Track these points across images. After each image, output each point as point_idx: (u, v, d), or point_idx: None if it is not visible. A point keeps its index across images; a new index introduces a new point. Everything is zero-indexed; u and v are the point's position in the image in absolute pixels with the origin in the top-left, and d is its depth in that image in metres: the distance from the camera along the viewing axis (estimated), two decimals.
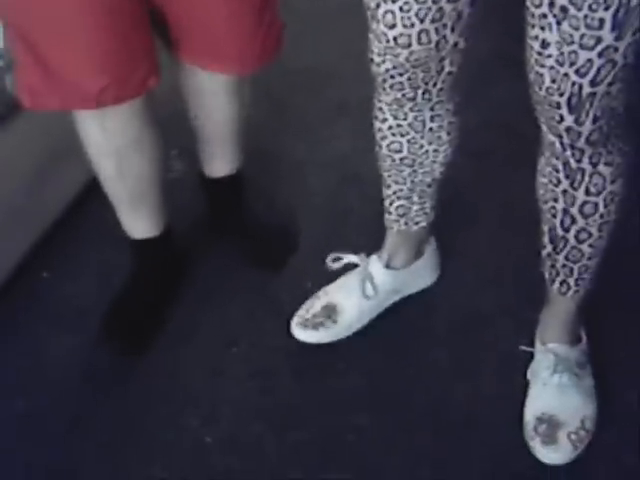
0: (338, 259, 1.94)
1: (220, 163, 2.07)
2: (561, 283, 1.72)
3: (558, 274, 1.71)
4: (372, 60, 1.62)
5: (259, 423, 1.81)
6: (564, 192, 1.59)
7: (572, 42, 1.37)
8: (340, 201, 2.23)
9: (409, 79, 1.62)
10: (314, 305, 1.93)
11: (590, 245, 1.65)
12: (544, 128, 1.52)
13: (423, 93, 1.66)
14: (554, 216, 1.63)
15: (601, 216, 1.61)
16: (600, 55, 1.38)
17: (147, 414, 1.84)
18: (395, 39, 1.54)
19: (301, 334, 1.91)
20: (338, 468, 1.74)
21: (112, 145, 1.82)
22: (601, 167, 1.55)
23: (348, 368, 1.89)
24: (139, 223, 1.97)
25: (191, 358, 1.92)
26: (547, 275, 1.74)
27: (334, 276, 1.97)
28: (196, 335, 1.96)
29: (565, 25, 1.37)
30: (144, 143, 1.85)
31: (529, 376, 1.78)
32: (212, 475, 1.74)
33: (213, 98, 1.93)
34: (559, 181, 1.58)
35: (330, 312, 1.92)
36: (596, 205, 1.59)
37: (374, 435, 1.78)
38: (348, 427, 1.79)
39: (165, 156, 1.98)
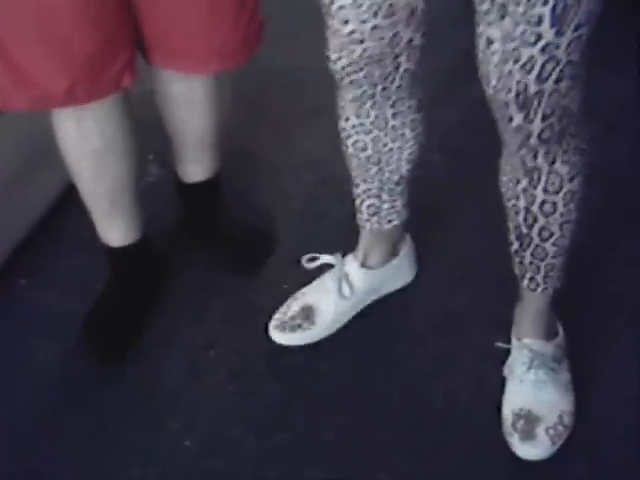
0: (313, 259, 1.94)
1: (197, 168, 2.07)
2: (530, 280, 1.73)
3: (526, 271, 1.72)
4: (329, 57, 1.63)
5: (238, 426, 1.81)
6: (524, 190, 1.60)
7: (514, 38, 1.38)
8: (317, 203, 2.24)
9: (366, 76, 1.63)
10: (291, 307, 1.94)
11: (553, 244, 1.66)
12: (499, 127, 1.53)
13: (382, 90, 1.67)
14: (517, 214, 1.64)
15: (561, 215, 1.62)
16: (542, 51, 1.38)
17: (126, 419, 1.84)
18: (349, 35, 1.55)
19: (279, 337, 1.91)
20: (319, 468, 1.74)
21: (89, 146, 1.82)
22: (557, 165, 1.56)
23: (327, 368, 1.90)
24: (115, 229, 1.96)
25: (169, 362, 1.92)
26: (517, 271, 1.75)
27: (311, 278, 1.97)
28: (174, 339, 1.96)
29: (507, 21, 1.37)
30: (121, 144, 1.85)
31: (506, 372, 1.79)
32: (191, 478, 1.74)
33: (191, 107, 1.93)
34: (518, 179, 1.59)
35: (308, 313, 1.92)
36: (555, 204, 1.60)
37: (354, 434, 1.79)
38: (328, 427, 1.80)
39: (141, 161, 1.98)
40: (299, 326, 1.91)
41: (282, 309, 1.94)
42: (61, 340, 1.95)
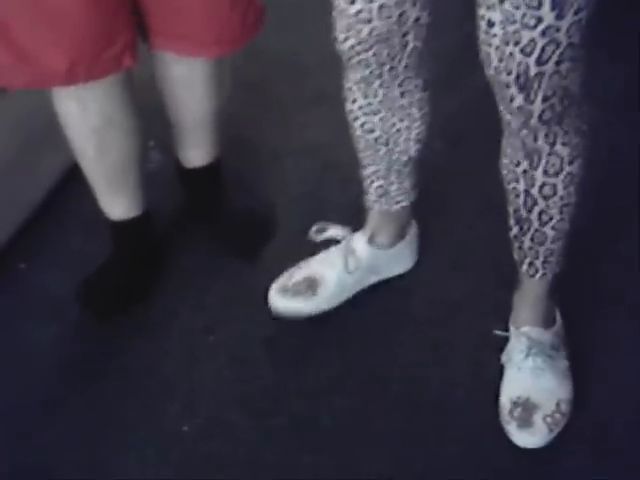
0: (322, 230, 1.94)
1: (198, 153, 2.07)
2: (529, 265, 1.73)
3: (526, 256, 1.72)
4: (336, 38, 1.63)
5: (236, 410, 1.82)
6: (524, 172, 1.60)
7: (514, 21, 1.38)
8: (319, 189, 2.23)
9: (374, 55, 1.63)
10: (295, 275, 1.94)
11: (552, 228, 1.66)
12: (500, 107, 1.53)
13: (389, 70, 1.67)
14: (517, 197, 1.64)
15: (561, 198, 1.62)
16: (543, 34, 1.38)
17: (124, 403, 1.84)
18: (356, 14, 1.56)
19: (279, 301, 1.92)
20: (314, 452, 1.75)
21: (91, 124, 1.82)
22: (558, 147, 1.56)
23: (325, 354, 1.90)
24: (118, 204, 1.97)
25: (168, 346, 1.93)
26: (516, 257, 1.75)
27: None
28: (173, 323, 1.97)
29: (507, 4, 1.38)
30: (123, 122, 1.86)
31: (504, 360, 1.79)
32: (189, 462, 1.75)
33: (191, 89, 1.94)
34: (519, 161, 1.59)
35: (310, 283, 1.92)
36: (555, 186, 1.60)
37: (350, 419, 1.79)
38: (324, 412, 1.80)
39: (142, 147, 1.98)
40: (301, 293, 1.91)
41: (285, 275, 1.94)
42: (60, 324, 1.96)
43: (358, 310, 1.95)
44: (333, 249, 1.96)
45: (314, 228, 1.94)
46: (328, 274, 1.93)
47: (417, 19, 1.59)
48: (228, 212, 2.11)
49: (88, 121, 1.82)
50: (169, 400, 1.84)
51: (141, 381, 1.88)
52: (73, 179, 1.96)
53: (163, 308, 1.99)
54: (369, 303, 1.96)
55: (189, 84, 1.93)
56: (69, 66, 1.67)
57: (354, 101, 1.76)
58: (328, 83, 1.88)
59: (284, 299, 1.91)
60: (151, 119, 1.99)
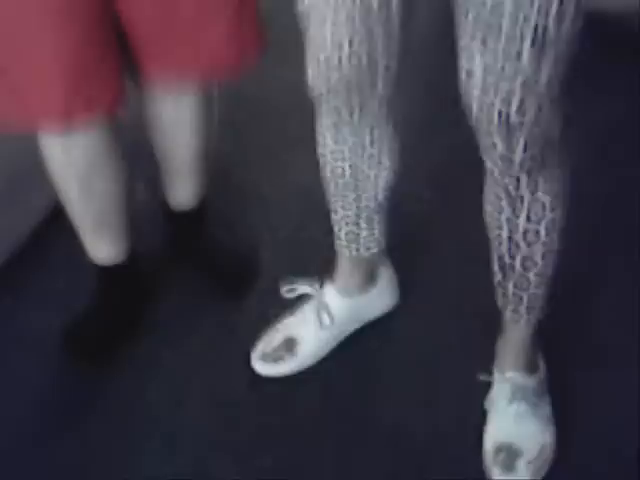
0: (292, 290, 1.95)
1: (184, 193, 2.08)
2: (513, 311, 1.75)
3: (509, 302, 1.74)
4: (307, 83, 1.64)
5: (220, 453, 1.81)
6: (507, 220, 1.62)
7: (493, 73, 1.40)
8: (303, 231, 2.24)
9: (344, 102, 1.63)
10: (273, 339, 1.94)
11: (536, 274, 1.67)
12: (483, 156, 1.55)
13: (359, 117, 1.67)
14: (500, 244, 1.66)
15: (544, 244, 1.63)
16: (522, 86, 1.40)
17: (107, 445, 1.83)
18: (326, 61, 1.56)
19: (262, 368, 1.92)
20: None
21: (76, 167, 1.83)
22: (540, 194, 1.58)
23: (308, 398, 1.89)
24: (103, 249, 1.97)
25: (152, 389, 1.92)
26: (500, 303, 1.76)
27: (295, 306, 1.98)
28: (157, 365, 1.96)
29: (486, 56, 1.40)
30: (107, 168, 1.86)
31: (487, 405, 1.79)
32: None
33: (180, 129, 1.95)
34: (502, 208, 1.61)
35: (289, 345, 1.92)
36: (538, 232, 1.62)
37: (335, 464, 1.79)
38: (309, 456, 1.80)
39: (129, 185, 1.99)
40: (281, 358, 1.91)
41: (265, 340, 1.94)
42: (45, 360, 1.95)
43: (342, 354, 1.95)
44: (307, 307, 1.96)
45: (284, 289, 1.95)
46: (306, 333, 1.93)
47: (387, 68, 1.59)
48: (212, 254, 2.12)
49: (74, 164, 1.83)
50: (152, 443, 1.82)
51: (124, 423, 1.86)
52: (62, 213, 1.95)
53: (146, 347, 1.98)
54: (353, 347, 1.96)
55: (178, 123, 1.94)
56: (62, 111, 1.68)
57: (325, 146, 1.77)
58: (313, 124, 1.91)
59: (266, 365, 1.92)
60: (138, 158, 2.00)
